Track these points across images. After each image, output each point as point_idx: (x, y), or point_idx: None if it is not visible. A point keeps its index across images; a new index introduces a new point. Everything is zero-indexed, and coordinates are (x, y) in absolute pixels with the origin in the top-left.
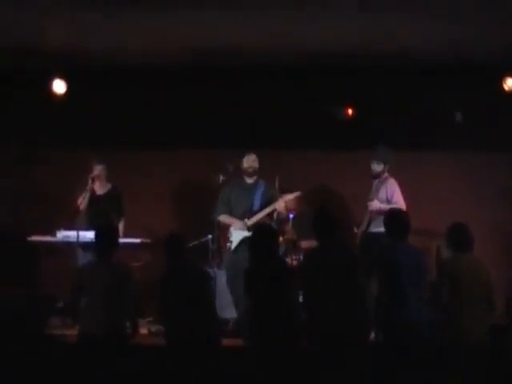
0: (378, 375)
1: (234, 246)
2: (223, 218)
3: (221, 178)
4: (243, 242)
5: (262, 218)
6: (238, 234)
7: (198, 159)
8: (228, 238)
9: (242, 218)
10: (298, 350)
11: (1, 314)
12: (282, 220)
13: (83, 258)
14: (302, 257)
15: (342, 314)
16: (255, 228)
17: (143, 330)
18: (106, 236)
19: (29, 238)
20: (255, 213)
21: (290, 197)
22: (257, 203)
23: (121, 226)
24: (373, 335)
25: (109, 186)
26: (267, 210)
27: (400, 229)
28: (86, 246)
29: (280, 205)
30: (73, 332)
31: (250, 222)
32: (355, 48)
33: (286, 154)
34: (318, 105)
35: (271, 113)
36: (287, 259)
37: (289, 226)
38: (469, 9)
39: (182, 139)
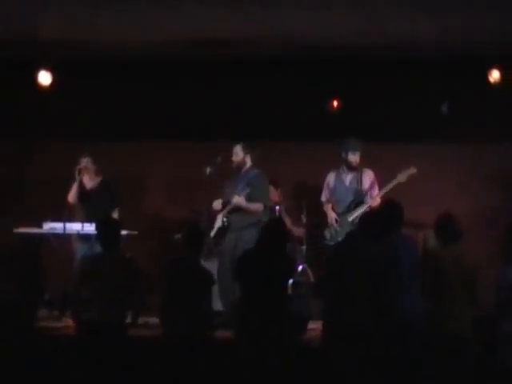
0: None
1: (212, 233)
2: (214, 205)
3: (208, 169)
4: (218, 230)
5: (235, 211)
6: (217, 222)
7: (186, 151)
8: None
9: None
10: (289, 343)
11: None
12: (269, 212)
13: (80, 250)
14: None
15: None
16: (270, 222)
17: None
18: (112, 229)
19: (15, 230)
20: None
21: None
22: (236, 194)
23: (116, 217)
24: None
25: (98, 180)
26: (230, 206)
27: (396, 221)
28: (82, 237)
29: (236, 200)
30: (59, 324)
31: (223, 214)
32: (342, 40)
33: (272, 145)
34: (305, 97)
35: (258, 105)
36: None
37: None
38: (456, 2)
39: (169, 131)
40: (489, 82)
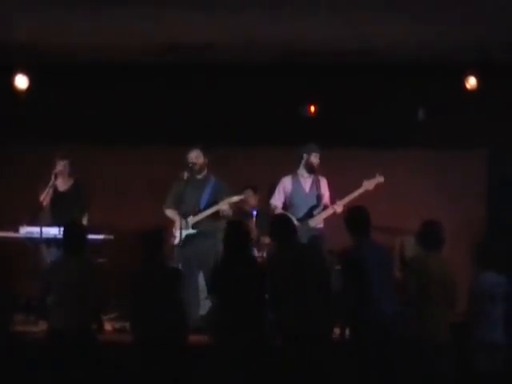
0: (348, 372)
1: (176, 241)
2: (169, 213)
3: (185, 174)
4: (186, 237)
5: (206, 217)
6: (183, 229)
7: (161, 156)
8: (173, 232)
9: (188, 214)
10: (268, 348)
11: None
12: (245, 217)
13: (48, 254)
14: (265, 254)
15: (309, 311)
16: (228, 225)
17: (108, 327)
18: (75, 233)
19: None
20: (200, 210)
21: (234, 199)
22: (204, 201)
23: (84, 222)
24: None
25: (71, 182)
26: (211, 210)
27: (364, 226)
28: (50, 242)
29: (224, 206)
30: (36, 328)
31: (194, 220)
32: (319, 46)
33: (248, 151)
34: (281, 102)
35: (235, 110)
36: None
37: (252, 223)
38: (431, 8)
39: (144, 136)
40: (464, 89)
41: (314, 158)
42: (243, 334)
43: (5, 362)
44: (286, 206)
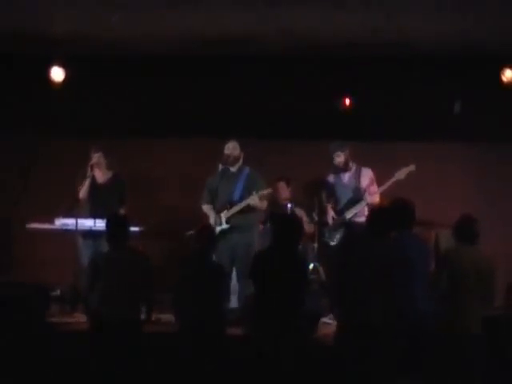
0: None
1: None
2: (205, 209)
3: (220, 166)
4: (220, 233)
5: (239, 211)
6: (219, 224)
7: (196, 148)
8: None
9: (222, 208)
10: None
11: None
12: (279, 210)
13: (84, 246)
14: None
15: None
16: (277, 218)
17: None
18: (121, 225)
19: (27, 226)
20: (234, 203)
21: (263, 193)
22: (237, 193)
23: (123, 213)
24: None
25: (110, 175)
26: (240, 206)
27: (407, 219)
28: (86, 234)
29: (254, 200)
30: (71, 319)
31: (227, 214)
32: (354, 37)
33: (283, 144)
34: (315, 95)
35: (268, 102)
36: None
37: None
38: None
39: (180, 128)
40: (500, 82)
41: (337, 158)
42: (277, 322)
43: (41, 353)
44: (329, 201)
